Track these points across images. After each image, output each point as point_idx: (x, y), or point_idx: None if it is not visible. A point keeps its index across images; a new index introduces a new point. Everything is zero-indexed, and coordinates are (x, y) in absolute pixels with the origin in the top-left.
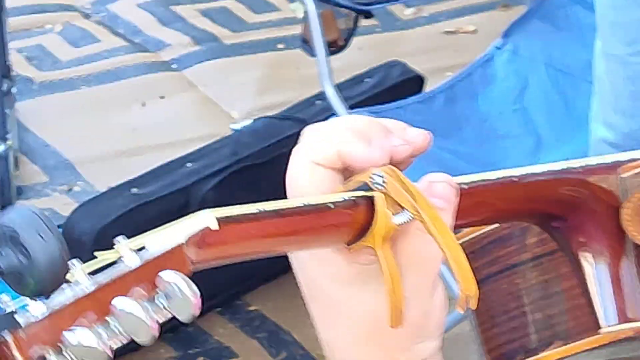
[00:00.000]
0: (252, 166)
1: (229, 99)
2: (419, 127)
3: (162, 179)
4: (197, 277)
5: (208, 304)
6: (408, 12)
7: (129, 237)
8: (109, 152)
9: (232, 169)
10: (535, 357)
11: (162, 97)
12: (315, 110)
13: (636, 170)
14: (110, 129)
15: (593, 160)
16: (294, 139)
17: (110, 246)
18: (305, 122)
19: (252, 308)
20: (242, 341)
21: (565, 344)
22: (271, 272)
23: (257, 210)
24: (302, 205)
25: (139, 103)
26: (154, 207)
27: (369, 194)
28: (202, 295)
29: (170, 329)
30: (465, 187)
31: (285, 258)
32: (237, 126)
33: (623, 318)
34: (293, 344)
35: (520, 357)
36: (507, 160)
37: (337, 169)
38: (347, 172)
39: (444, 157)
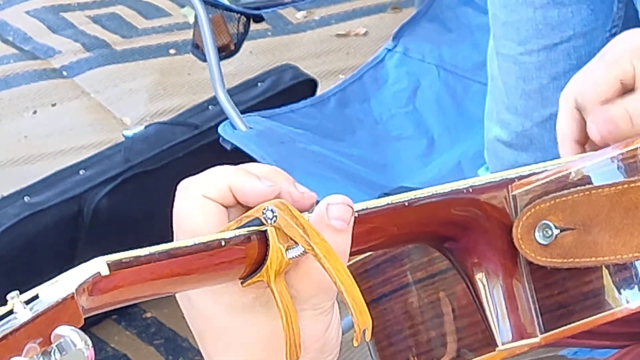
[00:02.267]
0: (144, 172)
1: (121, 106)
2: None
3: (55, 187)
4: None
5: (103, 312)
6: (299, 16)
7: (21, 246)
8: (1, 160)
9: (124, 176)
10: None
11: (53, 105)
12: (207, 115)
13: (526, 188)
14: (1, 137)
15: (481, 180)
16: (186, 144)
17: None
18: (197, 128)
19: (148, 315)
20: (139, 349)
21: None
22: None
23: (149, 253)
24: (193, 244)
25: (30, 111)
26: (47, 216)
27: (261, 228)
28: None
29: None
30: (356, 214)
31: None
32: (130, 133)
33: (518, 335)
34: (190, 350)
35: None
36: (400, 162)
37: (229, 205)
38: (237, 212)
39: (337, 160)
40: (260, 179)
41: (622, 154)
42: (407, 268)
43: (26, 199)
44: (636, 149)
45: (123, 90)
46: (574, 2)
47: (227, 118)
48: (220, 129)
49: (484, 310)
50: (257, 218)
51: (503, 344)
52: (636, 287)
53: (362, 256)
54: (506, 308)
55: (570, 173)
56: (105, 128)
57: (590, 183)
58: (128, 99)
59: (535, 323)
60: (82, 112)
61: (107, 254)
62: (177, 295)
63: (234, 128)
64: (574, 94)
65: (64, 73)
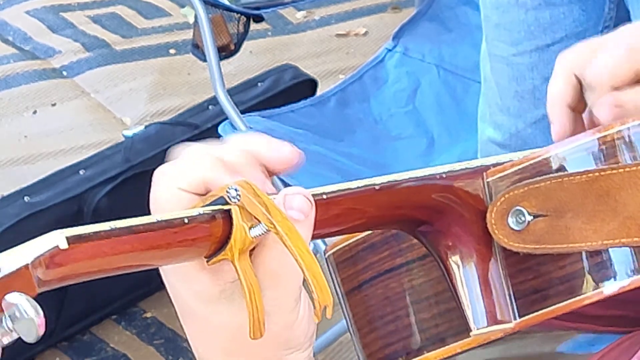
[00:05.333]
0: (144, 172)
1: (121, 105)
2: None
3: (55, 187)
4: (91, 286)
5: (103, 312)
6: (299, 16)
7: None
8: (1, 160)
9: (124, 176)
10: None
11: (53, 105)
12: (207, 115)
13: (501, 174)
14: (1, 137)
15: (457, 166)
16: (186, 144)
17: None
18: (197, 128)
19: (148, 315)
20: (138, 348)
21: (439, 347)
22: None
23: (109, 228)
24: (155, 221)
25: (30, 111)
26: (47, 216)
27: (225, 207)
28: (97, 303)
29: (66, 337)
30: (325, 197)
31: None
32: (130, 133)
33: (492, 320)
34: (190, 350)
35: None
36: (400, 161)
37: (203, 194)
38: None
39: (337, 160)
40: (233, 174)
41: (596, 139)
42: (386, 255)
43: (26, 199)
44: (610, 134)
45: (123, 90)
46: (566, 3)
47: (227, 118)
48: (220, 129)
49: (458, 295)
50: (222, 197)
51: (477, 329)
52: (609, 272)
53: (343, 244)
54: (480, 293)
55: (544, 159)
56: (105, 128)
57: (565, 169)
58: (128, 99)
59: (510, 308)
60: (82, 112)
61: None
62: (164, 280)
63: (234, 128)
64: (580, 66)
65: (64, 73)
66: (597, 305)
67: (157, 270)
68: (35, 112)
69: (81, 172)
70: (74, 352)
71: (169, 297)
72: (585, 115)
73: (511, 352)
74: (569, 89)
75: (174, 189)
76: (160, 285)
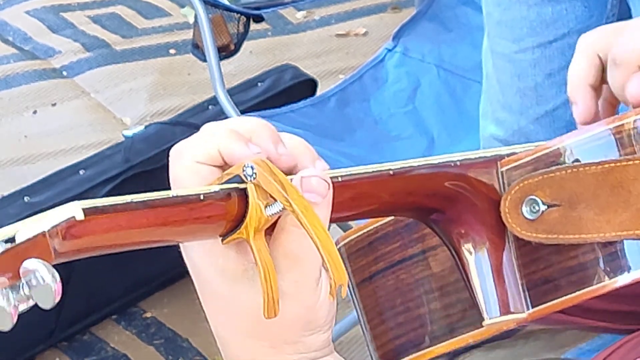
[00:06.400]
0: (144, 172)
1: (121, 105)
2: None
3: (55, 187)
4: (91, 285)
5: (103, 312)
6: (299, 16)
7: None
8: (1, 160)
9: (125, 176)
10: (422, 351)
11: (53, 105)
12: (207, 115)
13: (515, 164)
14: (1, 137)
15: (472, 154)
16: None
17: None
18: (197, 128)
19: (148, 315)
20: (138, 348)
21: (450, 338)
22: (167, 279)
23: (126, 201)
24: (171, 196)
25: (30, 111)
26: None
27: (241, 185)
28: (97, 303)
29: (66, 337)
30: (340, 179)
31: (180, 264)
32: (130, 133)
33: (505, 310)
34: (191, 350)
35: (408, 352)
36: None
37: (221, 165)
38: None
39: (337, 160)
40: (248, 143)
41: (611, 129)
42: (398, 246)
43: (26, 199)
44: (625, 124)
45: (123, 90)
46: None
47: (227, 118)
48: None
49: (471, 284)
50: (238, 175)
51: (490, 318)
52: (622, 262)
53: (354, 235)
54: (493, 282)
55: (558, 149)
56: (105, 128)
57: (579, 159)
58: (128, 99)
59: (522, 298)
60: (82, 112)
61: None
62: (185, 255)
63: None
64: (603, 47)
65: (64, 73)
66: (607, 300)
67: (157, 270)
68: (35, 112)
69: (81, 172)
70: (74, 352)
71: (169, 297)
72: (600, 102)
73: (515, 358)
74: (592, 68)
75: (193, 164)
76: (160, 285)
